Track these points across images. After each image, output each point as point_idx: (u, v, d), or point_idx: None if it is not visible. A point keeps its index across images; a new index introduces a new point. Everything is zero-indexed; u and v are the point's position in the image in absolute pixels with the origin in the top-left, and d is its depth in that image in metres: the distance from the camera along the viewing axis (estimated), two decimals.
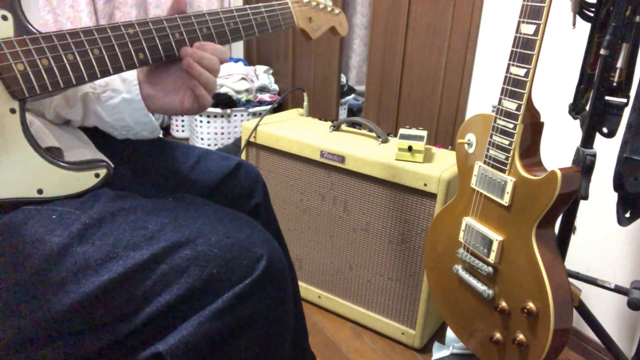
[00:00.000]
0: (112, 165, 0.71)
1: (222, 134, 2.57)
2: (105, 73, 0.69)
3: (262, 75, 2.69)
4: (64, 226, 0.63)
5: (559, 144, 1.34)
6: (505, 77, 0.92)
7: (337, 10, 1.04)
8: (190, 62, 0.74)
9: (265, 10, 0.87)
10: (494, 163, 0.97)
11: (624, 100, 0.94)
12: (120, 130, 0.81)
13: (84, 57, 0.66)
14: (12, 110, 0.62)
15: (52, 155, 0.66)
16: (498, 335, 1.00)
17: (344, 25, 1.08)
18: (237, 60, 2.83)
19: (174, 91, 0.79)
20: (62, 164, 0.67)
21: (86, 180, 0.69)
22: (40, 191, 0.65)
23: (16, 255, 0.60)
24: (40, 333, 0.62)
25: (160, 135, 0.89)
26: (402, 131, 1.34)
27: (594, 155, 0.97)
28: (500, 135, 0.95)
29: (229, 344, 0.66)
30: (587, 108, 0.99)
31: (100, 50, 0.68)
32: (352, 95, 2.94)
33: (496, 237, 0.98)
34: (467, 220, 1.04)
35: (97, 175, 0.69)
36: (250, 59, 2.95)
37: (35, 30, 0.63)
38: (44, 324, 0.61)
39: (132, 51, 0.71)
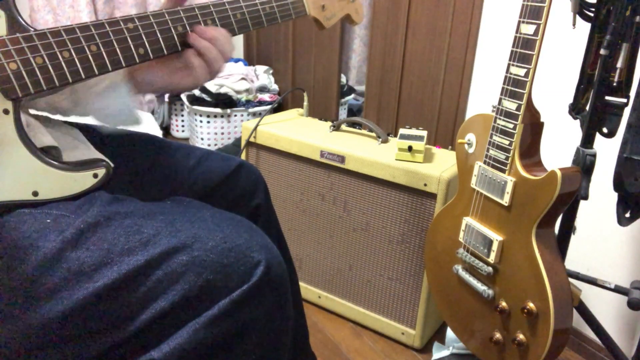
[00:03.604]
0: (112, 165, 0.69)
1: (222, 134, 2.56)
2: (103, 69, 0.66)
3: (262, 75, 2.69)
4: (58, 231, 0.61)
5: (559, 144, 1.34)
6: (505, 77, 0.92)
7: None
8: (196, 38, 0.72)
9: None
10: (494, 163, 0.97)
11: (624, 100, 0.94)
12: (104, 119, 0.77)
13: (80, 54, 0.64)
14: (6, 111, 0.60)
15: (49, 155, 0.64)
16: (498, 335, 1.00)
17: (360, 13, 1.01)
18: (237, 60, 2.83)
19: (167, 69, 0.75)
20: (57, 164, 0.64)
21: (83, 181, 0.66)
22: (35, 193, 0.63)
23: (9, 261, 0.59)
24: (33, 340, 0.60)
25: (160, 136, 0.88)
26: (402, 131, 1.34)
27: (594, 155, 0.97)
28: (500, 135, 0.95)
29: (226, 352, 0.65)
30: (587, 108, 0.99)
31: (98, 46, 0.65)
32: (352, 95, 2.93)
33: (496, 237, 0.98)
34: (467, 220, 1.04)
35: (95, 176, 0.67)
36: (250, 59, 2.95)
37: (30, 28, 0.61)
38: (37, 331, 0.60)
39: (132, 46, 0.68)
